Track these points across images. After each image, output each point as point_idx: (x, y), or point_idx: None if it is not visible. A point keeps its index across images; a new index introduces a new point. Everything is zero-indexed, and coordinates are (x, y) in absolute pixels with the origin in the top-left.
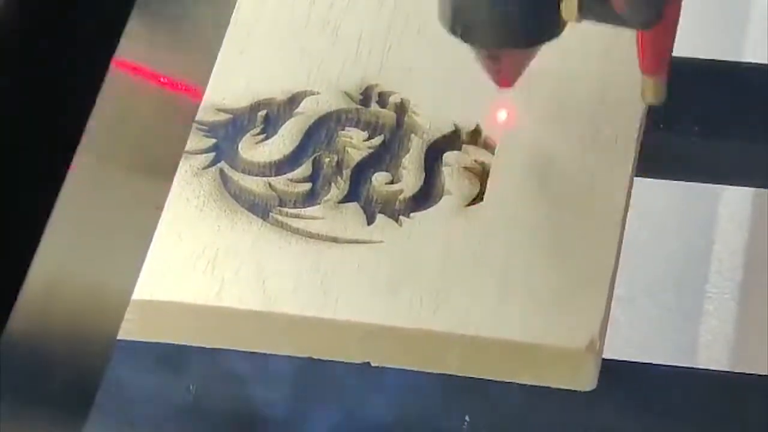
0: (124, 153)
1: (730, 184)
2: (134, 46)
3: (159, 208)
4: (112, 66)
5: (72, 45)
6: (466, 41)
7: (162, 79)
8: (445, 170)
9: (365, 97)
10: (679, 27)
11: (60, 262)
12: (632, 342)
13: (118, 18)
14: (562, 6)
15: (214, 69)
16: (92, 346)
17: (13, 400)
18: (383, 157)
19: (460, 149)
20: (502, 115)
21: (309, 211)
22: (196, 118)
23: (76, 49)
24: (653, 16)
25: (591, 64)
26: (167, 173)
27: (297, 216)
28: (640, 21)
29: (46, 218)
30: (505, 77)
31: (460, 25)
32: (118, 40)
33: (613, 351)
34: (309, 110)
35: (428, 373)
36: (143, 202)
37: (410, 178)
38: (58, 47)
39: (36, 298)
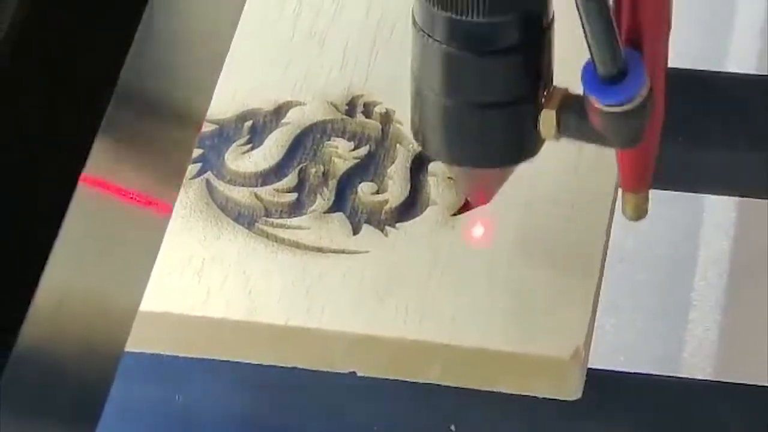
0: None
1: (715, 194)
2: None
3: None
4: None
5: (40, 160)
6: (441, 161)
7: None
8: (431, 180)
9: (351, 107)
10: None
11: (69, 276)
12: (617, 350)
13: (85, 134)
14: (540, 124)
15: None
16: (100, 359)
17: (23, 412)
18: (369, 167)
19: None
20: None
21: (295, 221)
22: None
23: (44, 164)
24: (634, 136)
25: None
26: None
27: (283, 226)
28: (620, 140)
29: (55, 233)
30: (481, 195)
31: (434, 145)
32: (86, 157)
33: (598, 359)
34: (295, 121)
35: (414, 383)
36: (150, 215)
37: (396, 188)
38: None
39: (45, 312)
